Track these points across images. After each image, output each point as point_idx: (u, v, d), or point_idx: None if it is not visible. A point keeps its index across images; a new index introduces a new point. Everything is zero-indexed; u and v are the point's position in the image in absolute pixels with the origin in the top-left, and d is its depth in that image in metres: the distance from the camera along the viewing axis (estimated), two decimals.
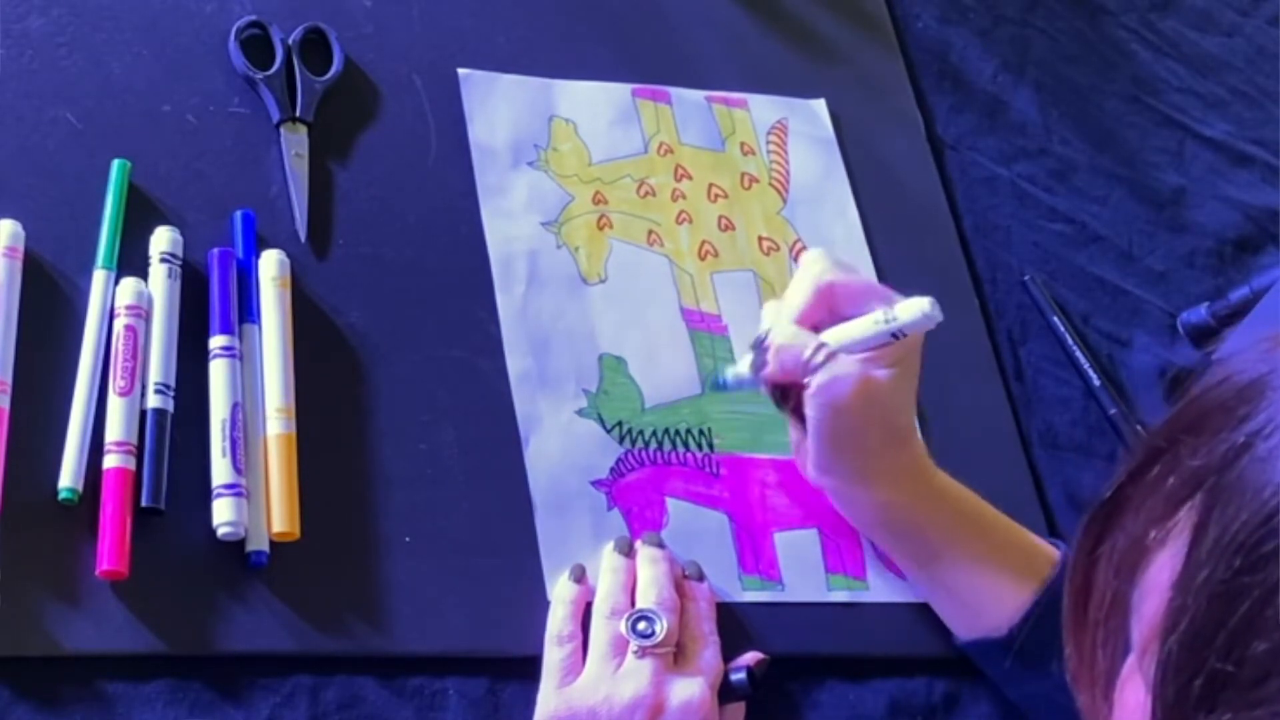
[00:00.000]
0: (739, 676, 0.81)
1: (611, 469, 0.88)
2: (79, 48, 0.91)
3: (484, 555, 0.83)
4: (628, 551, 0.84)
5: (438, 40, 1.01)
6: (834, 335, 0.82)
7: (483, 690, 0.80)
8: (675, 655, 0.80)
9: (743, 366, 0.87)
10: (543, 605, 0.82)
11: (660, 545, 0.85)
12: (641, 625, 0.79)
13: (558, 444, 0.87)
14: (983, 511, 0.87)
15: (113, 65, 0.91)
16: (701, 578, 0.85)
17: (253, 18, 0.96)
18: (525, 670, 0.80)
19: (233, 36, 0.94)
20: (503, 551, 0.83)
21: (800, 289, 0.84)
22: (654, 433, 0.90)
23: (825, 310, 0.84)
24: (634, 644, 0.79)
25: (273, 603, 0.77)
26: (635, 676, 0.78)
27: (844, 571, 0.89)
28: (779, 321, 0.84)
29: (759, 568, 0.87)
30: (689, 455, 0.90)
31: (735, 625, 0.85)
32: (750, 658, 0.82)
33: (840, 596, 0.88)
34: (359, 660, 0.78)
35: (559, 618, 0.81)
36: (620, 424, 0.89)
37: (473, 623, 0.81)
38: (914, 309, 0.80)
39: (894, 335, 0.81)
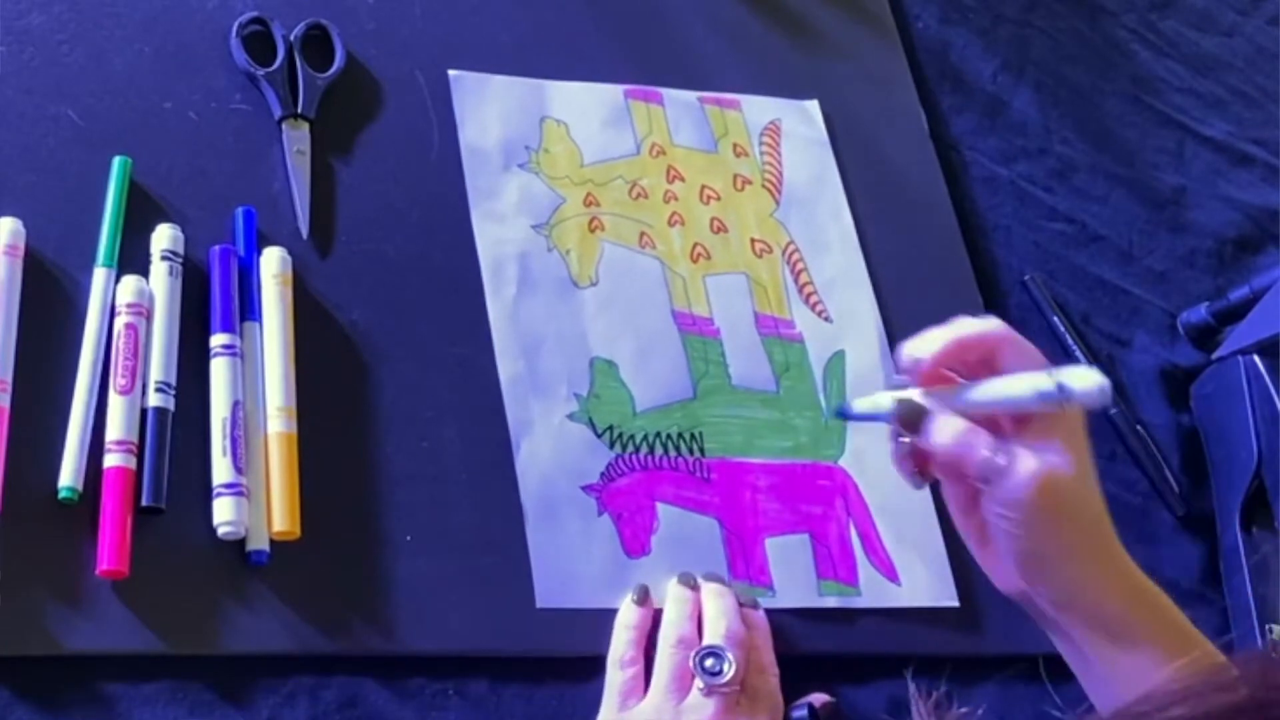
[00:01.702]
0: (800, 714, 0.81)
1: (602, 473, 0.87)
2: (80, 44, 0.91)
3: (485, 555, 0.82)
4: (692, 585, 0.84)
5: (440, 36, 1.01)
6: (986, 391, 0.73)
7: (483, 690, 0.80)
8: (740, 690, 0.79)
9: (883, 402, 0.75)
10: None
11: (723, 582, 0.85)
12: (709, 662, 0.79)
13: (549, 448, 0.87)
14: (1168, 606, 0.77)
15: (114, 62, 0.91)
16: (757, 606, 0.85)
17: (254, 14, 0.95)
18: (525, 670, 0.80)
19: (234, 33, 0.94)
20: (504, 551, 0.83)
21: (975, 321, 0.75)
22: (645, 437, 0.90)
23: (985, 352, 0.74)
24: (701, 681, 0.79)
25: (273, 603, 0.77)
26: (697, 712, 0.78)
27: (835, 577, 0.89)
28: (940, 349, 0.73)
29: (749, 573, 0.87)
30: (680, 460, 0.90)
31: None
32: (817, 698, 0.82)
33: (831, 602, 0.88)
34: (359, 660, 0.78)
35: (622, 641, 0.81)
36: (611, 428, 0.89)
37: (473, 623, 0.81)
38: (1088, 381, 0.70)
39: (1059, 403, 0.70)
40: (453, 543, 0.82)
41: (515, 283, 0.92)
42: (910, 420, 0.73)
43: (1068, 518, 0.72)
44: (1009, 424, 0.73)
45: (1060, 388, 0.70)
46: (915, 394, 0.74)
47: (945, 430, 0.72)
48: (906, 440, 0.74)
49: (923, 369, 0.74)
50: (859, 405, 0.76)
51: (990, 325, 0.74)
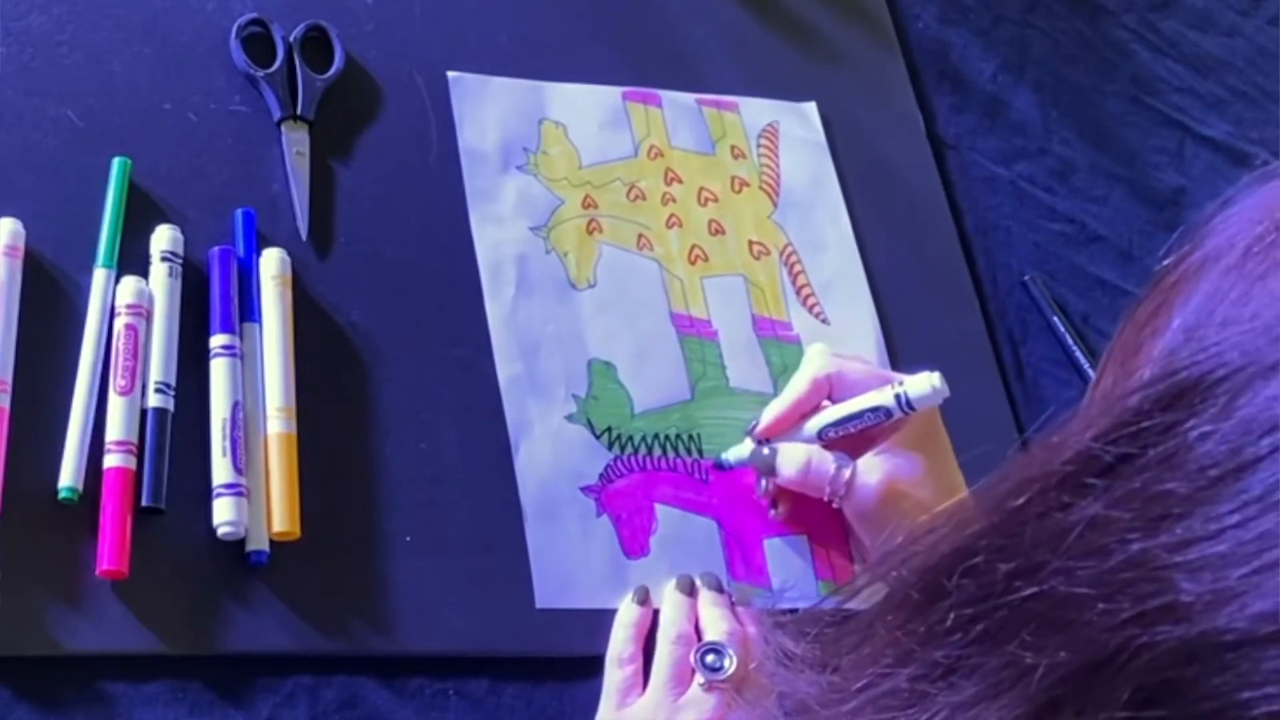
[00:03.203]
0: None
1: (601, 475, 0.87)
2: (79, 45, 0.91)
3: (485, 555, 0.83)
4: (689, 590, 0.84)
5: (439, 38, 1.01)
6: (836, 412, 0.85)
7: (483, 690, 0.80)
8: (741, 682, 0.80)
9: (743, 452, 0.88)
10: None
11: (720, 589, 0.85)
12: (710, 658, 0.80)
13: (547, 450, 0.87)
14: None
15: (113, 63, 0.91)
16: (749, 604, 0.85)
17: (254, 15, 0.95)
18: (525, 670, 0.81)
19: (234, 34, 0.94)
20: (503, 552, 0.83)
21: (799, 381, 0.87)
22: (643, 438, 0.90)
23: (820, 399, 0.86)
24: (701, 677, 0.79)
25: (273, 603, 0.77)
26: (697, 707, 0.78)
27: (834, 578, 0.89)
28: (774, 418, 0.86)
29: (748, 574, 0.87)
30: (678, 461, 0.90)
31: None
32: None
33: (829, 604, 0.88)
34: (359, 660, 0.78)
35: (620, 639, 0.81)
36: (610, 430, 0.89)
37: (473, 623, 0.81)
38: (924, 384, 0.82)
39: (902, 410, 0.82)
40: (452, 543, 0.82)
41: (514, 284, 0.92)
42: (766, 466, 0.86)
43: (919, 514, 0.77)
44: (864, 438, 0.84)
45: (898, 398, 0.82)
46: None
47: (790, 460, 0.84)
48: (766, 483, 0.87)
49: (771, 433, 0.86)
50: (729, 456, 0.89)
51: (818, 367, 0.86)
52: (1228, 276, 0.46)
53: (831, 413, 0.85)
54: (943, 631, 0.45)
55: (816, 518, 0.89)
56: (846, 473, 0.82)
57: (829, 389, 0.86)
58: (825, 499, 0.84)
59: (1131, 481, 0.43)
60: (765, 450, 0.86)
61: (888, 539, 0.51)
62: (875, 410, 0.83)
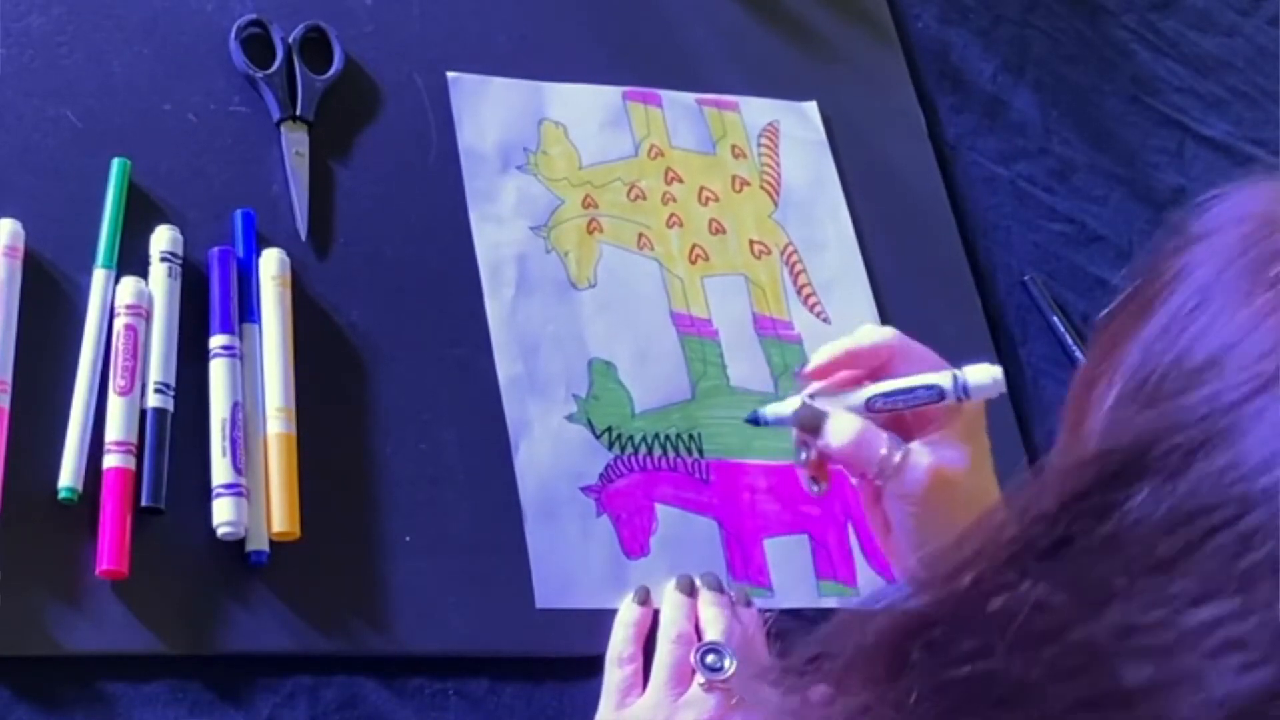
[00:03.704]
0: None
1: (601, 475, 0.87)
2: (79, 46, 0.91)
3: (485, 555, 0.83)
4: (689, 591, 0.84)
5: (438, 39, 1.01)
6: (890, 383, 0.78)
7: (483, 690, 0.80)
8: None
9: (785, 409, 0.79)
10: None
11: (720, 589, 0.85)
12: (710, 659, 0.80)
13: (547, 449, 0.87)
14: None
15: (113, 64, 0.91)
16: (749, 604, 0.85)
17: (253, 16, 0.95)
18: (525, 670, 0.80)
19: (233, 35, 0.94)
20: (503, 552, 0.83)
21: (863, 333, 0.80)
22: (644, 438, 0.90)
23: (879, 362, 0.80)
24: (701, 677, 0.79)
25: (273, 603, 0.77)
26: (697, 707, 0.78)
27: (835, 578, 0.89)
28: (828, 359, 0.79)
29: (748, 574, 0.87)
30: (679, 461, 0.90)
31: None
32: None
33: (831, 603, 0.88)
34: (359, 660, 0.78)
35: (620, 639, 0.81)
36: (610, 429, 0.89)
37: (473, 623, 0.81)
38: (983, 374, 0.77)
39: (957, 395, 0.77)
40: (452, 543, 0.82)
41: (514, 284, 0.92)
42: (811, 424, 0.77)
43: (960, 508, 0.75)
44: (914, 423, 0.78)
45: (955, 380, 0.76)
46: (820, 400, 0.78)
47: (842, 430, 0.76)
48: (809, 446, 0.78)
49: (818, 374, 0.79)
50: (768, 411, 0.80)
51: (884, 335, 0.79)
52: (1156, 345, 0.46)
53: (885, 383, 0.78)
54: (910, 702, 0.45)
55: (817, 517, 0.89)
56: (898, 455, 0.76)
57: (890, 355, 0.79)
58: (870, 477, 0.77)
59: (1071, 565, 0.42)
60: (814, 407, 0.78)
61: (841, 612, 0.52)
62: (930, 388, 0.77)
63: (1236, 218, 0.48)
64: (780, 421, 0.80)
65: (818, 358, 0.79)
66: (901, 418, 0.78)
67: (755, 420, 0.81)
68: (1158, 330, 0.46)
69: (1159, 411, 0.43)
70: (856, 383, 0.79)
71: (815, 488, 0.80)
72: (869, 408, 0.78)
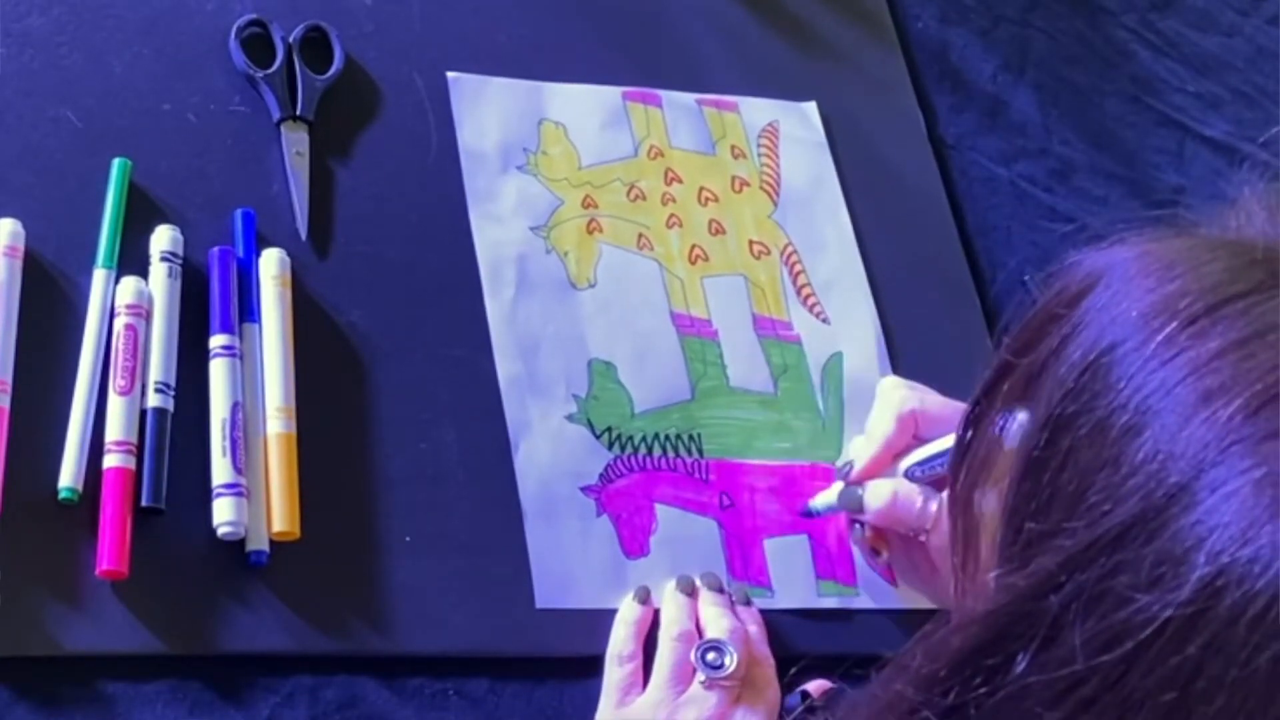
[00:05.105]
0: (793, 701, 0.81)
1: (601, 475, 0.87)
2: (79, 46, 0.91)
3: (485, 555, 0.83)
4: (690, 591, 0.84)
5: (438, 39, 1.01)
6: (922, 451, 0.83)
7: (483, 690, 0.80)
8: (740, 682, 0.80)
9: (831, 497, 0.87)
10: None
11: (720, 589, 0.85)
12: (711, 656, 0.80)
13: (547, 449, 0.87)
14: None
15: (113, 64, 0.91)
16: (749, 603, 0.85)
17: (253, 16, 0.95)
18: (525, 670, 0.80)
19: (233, 35, 0.94)
20: (503, 552, 0.83)
21: (883, 419, 0.85)
22: (644, 438, 0.90)
23: (909, 437, 0.84)
24: (702, 674, 0.79)
25: (273, 603, 0.77)
26: (698, 704, 0.78)
27: (834, 578, 0.89)
28: (870, 461, 0.84)
29: (748, 574, 0.87)
30: (679, 461, 0.90)
31: None
32: (816, 684, 0.82)
33: (830, 603, 0.88)
34: (359, 660, 0.78)
35: (621, 637, 0.81)
36: (610, 429, 0.89)
37: (473, 623, 0.81)
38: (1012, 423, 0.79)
39: None
40: (452, 543, 0.82)
41: (514, 284, 0.92)
42: (855, 504, 0.85)
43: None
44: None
45: None
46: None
47: (878, 495, 0.84)
48: (860, 524, 0.87)
49: (867, 477, 0.85)
50: (817, 504, 0.88)
51: (898, 413, 0.84)
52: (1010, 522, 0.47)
53: (918, 452, 0.84)
54: None
55: (816, 518, 0.89)
56: (934, 506, 0.81)
57: (914, 425, 0.85)
58: (912, 533, 0.84)
59: None
60: (852, 489, 0.85)
61: None
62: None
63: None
64: (830, 510, 0.88)
65: (861, 464, 0.85)
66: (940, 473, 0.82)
67: (808, 514, 0.89)
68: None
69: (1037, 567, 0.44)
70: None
71: (879, 558, 0.87)
72: (909, 479, 0.84)
